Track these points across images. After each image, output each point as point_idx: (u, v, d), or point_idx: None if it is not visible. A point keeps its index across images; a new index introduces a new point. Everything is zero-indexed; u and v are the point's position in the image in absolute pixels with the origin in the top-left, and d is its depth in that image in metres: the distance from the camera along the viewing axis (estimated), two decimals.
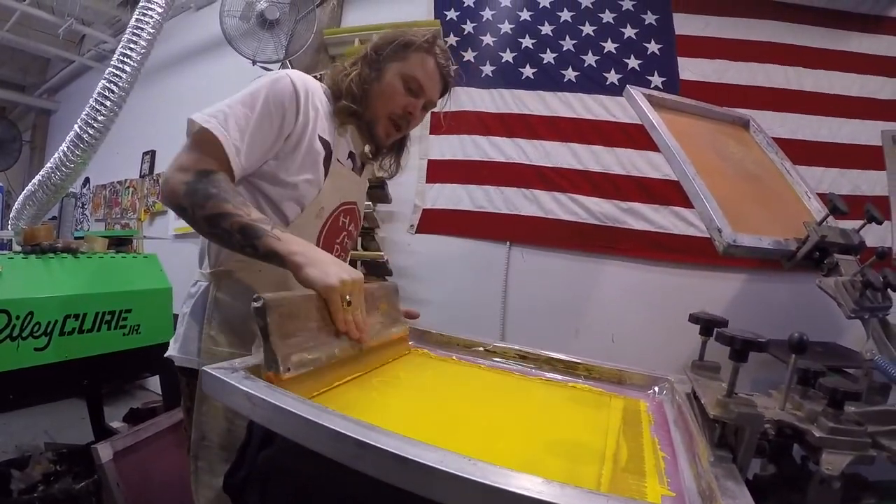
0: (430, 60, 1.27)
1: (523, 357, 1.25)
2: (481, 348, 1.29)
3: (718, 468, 0.65)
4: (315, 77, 1.25)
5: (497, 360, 1.26)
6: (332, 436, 0.58)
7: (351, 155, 1.31)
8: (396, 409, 0.86)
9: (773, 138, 2.15)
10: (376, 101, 1.26)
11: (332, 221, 1.25)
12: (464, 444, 0.72)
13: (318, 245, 1.20)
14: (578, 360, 1.21)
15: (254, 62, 3.29)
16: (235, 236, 0.96)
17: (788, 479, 0.79)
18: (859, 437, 0.73)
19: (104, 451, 2.01)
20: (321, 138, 1.18)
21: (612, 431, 0.84)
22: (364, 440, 0.56)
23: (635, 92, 1.83)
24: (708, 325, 0.96)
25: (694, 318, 0.98)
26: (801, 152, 2.49)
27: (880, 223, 1.58)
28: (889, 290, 1.40)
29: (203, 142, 1.04)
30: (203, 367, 0.74)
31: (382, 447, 0.55)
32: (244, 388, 0.68)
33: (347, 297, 0.91)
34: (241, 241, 0.96)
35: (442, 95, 1.35)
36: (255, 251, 0.96)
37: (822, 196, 1.83)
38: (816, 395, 0.83)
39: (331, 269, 0.91)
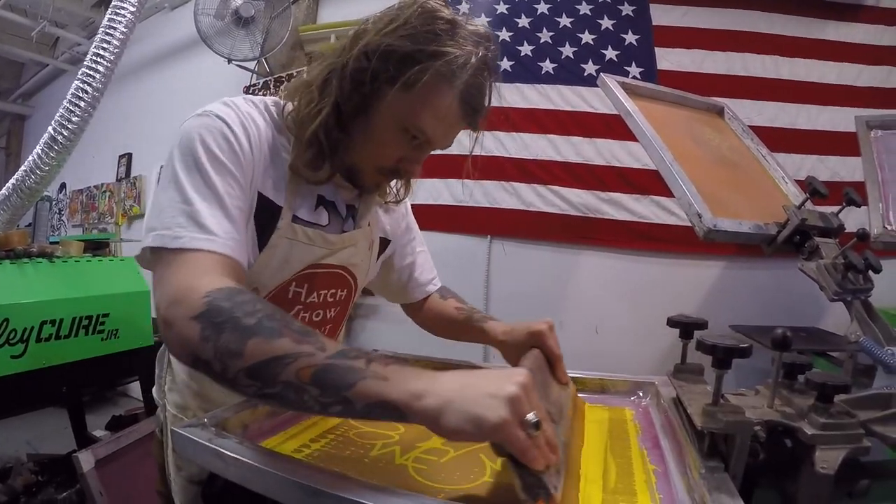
0: (452, 99, 0.81)
1: None
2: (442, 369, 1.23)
3: (710, 479, 0.63)
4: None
5: None
6: (310, 493, 0.56)
7: (323, 202, 0.94)
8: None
9: (752, 126, 2.17)
10: (360, 149, 0.87)
11: (273, 298, 0.90)
12: (439, 477, 0.69)
13: None
14: None
15: (229, 61, 3.26)
16: (309, 392, 0.58)
17: (780, 466, 0.78)
18: (852, 429, 0.71)
19: (86, 460, 1.96)
20: (260, 195, 0.84)
21: (597, 449, 0.81)
22: (347, 497, 0.54)
23: (609, 80, 1.82)
24: (687, 329, 0.94)
25: (672, 323, 0.95)
26: (780, 140, 2.51)
27: (859, 206, 1.60)
28: (870, 271, 1.41)
29: (184, 254, 0.70)
30: (173, 427, 0.71)
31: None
32: (214, 447, 0.65)
33: (530, 418, 0.54)
34: (320, 399, 0.58)
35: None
36: (349, 409, 0.58)
37: (800, 183, 1.84)
38: (802, 388, 0.82)
39: (483, 399, 0.54)
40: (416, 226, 1.24)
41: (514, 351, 1.00)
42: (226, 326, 0.60)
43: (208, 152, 0.75)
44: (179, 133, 0.78)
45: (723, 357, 0.69)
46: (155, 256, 0.71)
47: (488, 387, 0.55)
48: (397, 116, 0.82)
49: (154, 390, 1.13)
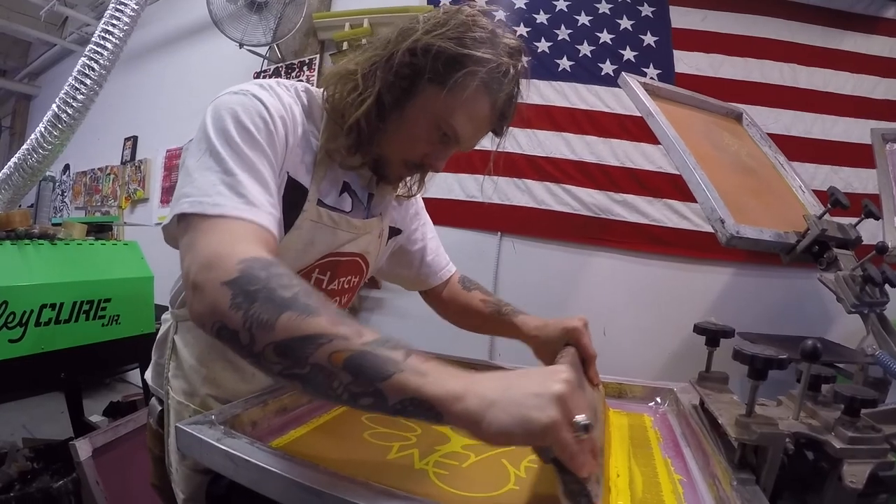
0: (487, 105, 0.85)
1: None
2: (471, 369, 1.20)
3: (742, 492, 0.63)
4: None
5: None
6: (329, 501, 0.54)
7: (348, 189, 0.95)
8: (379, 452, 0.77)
9: (767, 134, 2.14)
10: (392, 139, 0.89)
11: None
12: (462, 484, 0.67)
13: None
14: None
15: (241, 45, 3.22)
16: (340, 377, 0.53)
17: (802, 478, 0.77)
18: (878, 443, 0.71)
19: (83, 448, 1.93)
20: (289, 177, 0.85)
21: (621, 456, 0.79)
22: None
23: (631, 80, 1.79)
24: (714, 336, 0.93)
25: (700, 330, 0.95)
26: (795, 149, 2.49)
27: (877, 219, 1.59)
28: (887, 285, 1.41)
29: (221, 221, 0.67)
30: (178, 424, 0.68)
31: None
32: (223, 448, 0.62)
33: (580, 420, 0.50)
34: (351, 387, 0.53)
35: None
36: (380, 402, 0.53)
37: (816, 192, 1.84)
38: (825, 400, 0.81)
39: (530, 398, 0.50)
40: (425, 213, 1.25)
41: (546, 348, 1.01)
42: (259, 295, 0.56)
43: (244, 129, 0.75)
44: (213, 106, 0.77)
45: (761, 368, 0.68)
46: (185, 224, 0.68)
47: (533, 386, 0.51)
48: (433, 113, 0.84)
49: (149, 377, 1.09)
